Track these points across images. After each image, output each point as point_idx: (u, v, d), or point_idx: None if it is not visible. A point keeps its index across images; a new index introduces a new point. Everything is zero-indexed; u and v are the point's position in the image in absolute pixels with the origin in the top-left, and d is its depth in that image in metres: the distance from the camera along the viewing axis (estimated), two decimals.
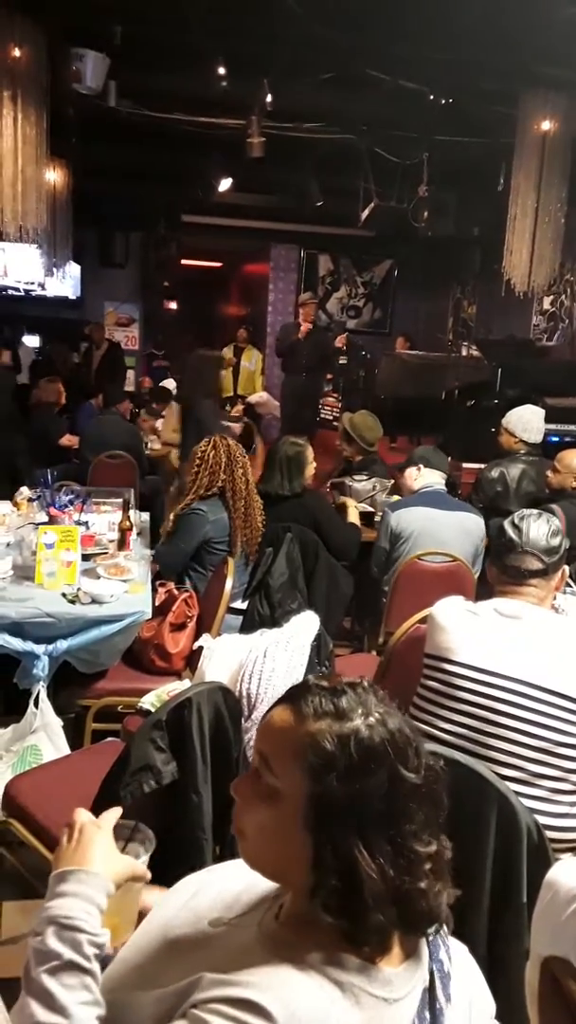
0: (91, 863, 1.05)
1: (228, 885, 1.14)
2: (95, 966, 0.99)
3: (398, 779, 0.95)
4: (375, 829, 0.93)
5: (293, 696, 1.02)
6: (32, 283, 10.44)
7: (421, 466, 3.81)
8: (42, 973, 0.96)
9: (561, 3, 3.94)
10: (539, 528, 2.04)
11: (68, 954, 0.97)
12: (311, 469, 3.85)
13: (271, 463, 3.82)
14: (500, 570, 2.06)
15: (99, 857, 1.06)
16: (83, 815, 1.13)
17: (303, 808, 0.95)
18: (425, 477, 3.79)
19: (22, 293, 10.47)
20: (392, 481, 4.59)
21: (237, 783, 1.05)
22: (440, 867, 0.97)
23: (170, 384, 8.85)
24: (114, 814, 1.15)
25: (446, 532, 3.55)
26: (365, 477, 4.58)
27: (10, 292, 10.41)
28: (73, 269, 10.16)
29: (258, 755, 1.02)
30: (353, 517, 4.11)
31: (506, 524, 2.07)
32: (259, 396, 9.86)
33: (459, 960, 1.04)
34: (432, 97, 5.18)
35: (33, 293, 10.49)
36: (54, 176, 6.34)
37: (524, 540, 2.01)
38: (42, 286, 10.33)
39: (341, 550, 3.76)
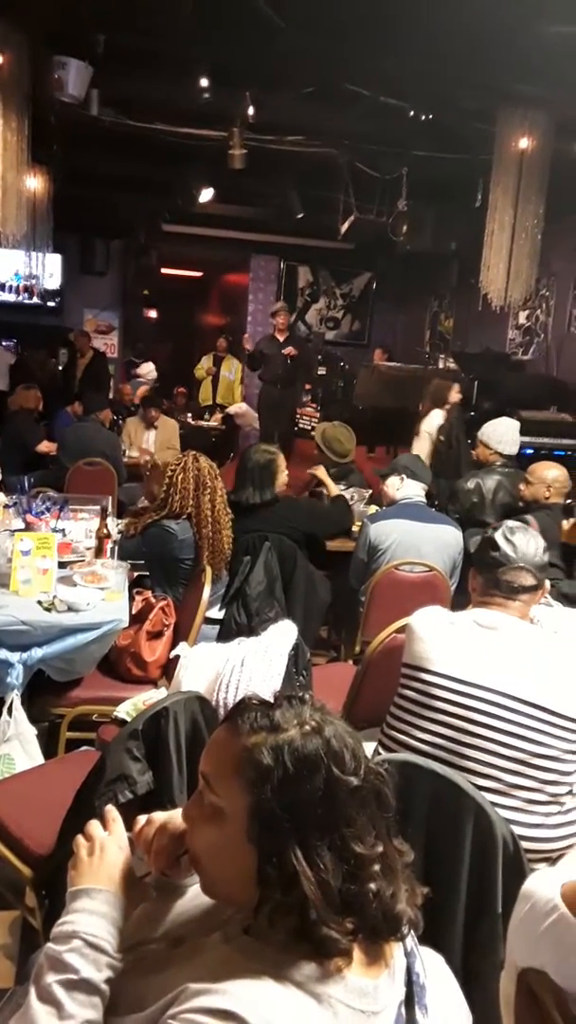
0: (118, 886, 1.08)
1: (179, 904, 1.15)
2: (107, 990, 1.01)
3: (335, 783, 0.96)
4: (314, 836, 0.94)
5: (231, 714, 1.04)
6: (10, 289, 10.38)
7: (404, 476, 3.82)
8: (56, 984, 0.99)
9: (539, 23, 4.00)
10: (530, 544, 2.06)
11: (87, 972, 1.00)
12: (283, 477, 3.82)
13: (242, 472, 3.78)
14: (491, 583, 2.05)
15: (124, 881, 1.09)
16: (99, 829, 1.15)
17: (247, 823, 0.96)
18: (407, 488, 3.80)
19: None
20: (370, 491, 4.60)
21: (186, 808, 1.07)
22: (391, 868, 0.98)
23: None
24: (122, 831, 1.16)
25: (425, 545, 3.57)
26: (343, 487, 4.60)
27: None
28: (53, 275, 10.12)
29: (201, 777, 1.03)
30: (333, 489, 4.21)
31: (499, 538, 2.06)
32: (238, 407, 9.86)
33: (434, 971, 1.04)
34: (412, 113, 5.24)
35: (11, 299, 10.43)
36: (35, 183, 6.32)
37: (520, 555, 2.02)
38: (26, 291, 10.26)
39: (339, 528, 3.79)
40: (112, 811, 1.19)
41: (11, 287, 10.35)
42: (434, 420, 6.33)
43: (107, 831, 1.16)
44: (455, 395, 6.50)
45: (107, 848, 1.11)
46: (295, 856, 0.93)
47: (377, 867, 0.96)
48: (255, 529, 3.57)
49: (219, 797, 0.99)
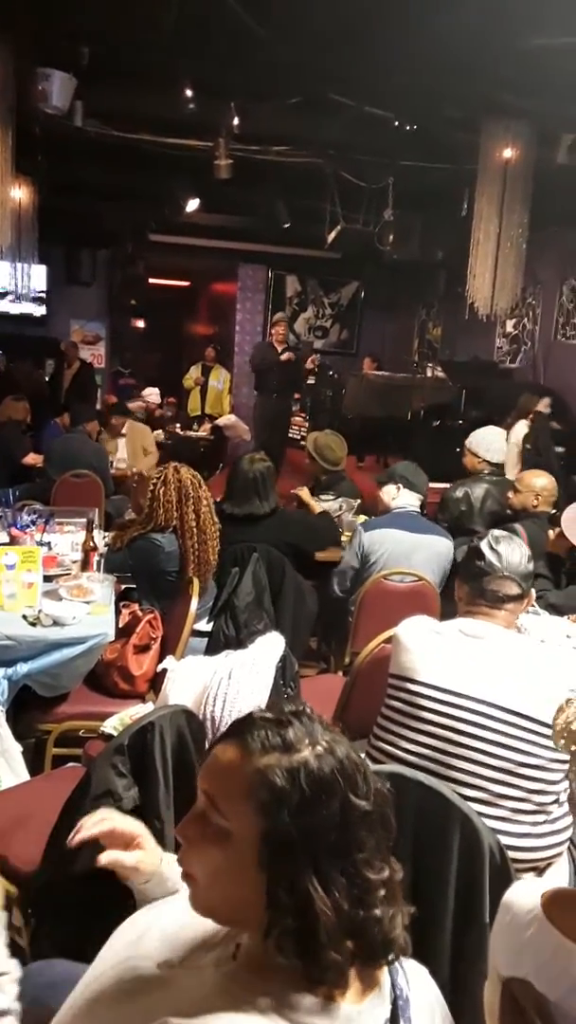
0: None
1: (170, 923, 1.11)
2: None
3: (350, 808, 0.94)
4: (329, 862, 0.91)
5: (237, 731, 1.00)
6: None
7: (401, 485, 3.82)
8: None
9: (523, 34, 4.04)
10: (515, 553, 2.06)
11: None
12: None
13: (239, 484, 3.76)
14: (476, 593, 2.06)
15: None
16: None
17: (257, 847, 0.92)
18: (403, 498, 3.80)
19: None
20: (359, 500, 4.60)
21: (182, 826, 1.02)
22: (392, 891, 0.96)
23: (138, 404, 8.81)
24: None
25: (416, 555, 3.56)
26: (331, 496, 4.59)
27: None
28: (39, 286, 10.11)
29: (204, 796, 0.99)
30: (315, 508, 4.26)
31: (484, 547, 2.07)
32: (227, 419, 9.86)
33: (417, 983, 1.03)
34: (397, 123, 5.27)
35: None
36: (19, 193, 6.32)
37: (504, 564, 2.03)
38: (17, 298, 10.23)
39: (330, 542, 3.81)
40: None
41: None
42: (519, 431, 6.37)
43: None
44: (544, 406, 6.55)
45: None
46: (311, 883, 0.90)
47: (383, 892, 0.94)
48: (249, 540, 3.55)
49: (226, 819, 0.95)
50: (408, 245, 7.68)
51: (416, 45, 4.32)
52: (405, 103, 5.15)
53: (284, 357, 8.55)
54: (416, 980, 1.02)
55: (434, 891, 1.54)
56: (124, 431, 6.93)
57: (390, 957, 0.97)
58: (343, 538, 4.12)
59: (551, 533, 3.58)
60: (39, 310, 10.59)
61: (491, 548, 2.05)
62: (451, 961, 1.54)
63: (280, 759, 0.94)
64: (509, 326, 8.53)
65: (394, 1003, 0.96)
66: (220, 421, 9.84)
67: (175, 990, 0.97)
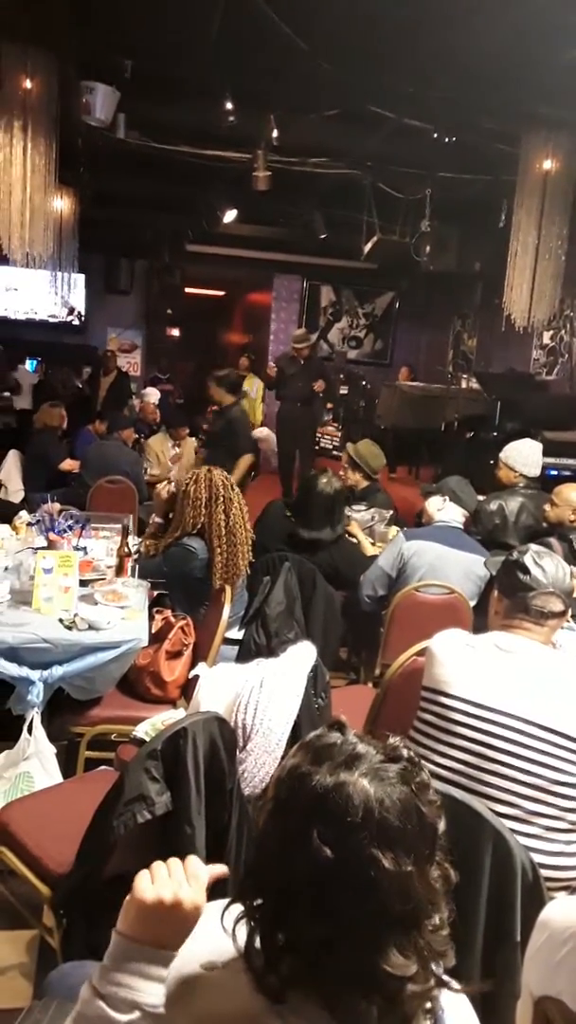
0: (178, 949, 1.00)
1: (215, 925, 1.12)
2: None
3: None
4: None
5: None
6: (39, 309, 10.54)
7: (447, 498, 3.80)
8: None
9: (564, 46, 4.03)
10: (559, 568, 2.04)
11: None
12: None
13: (316, 505, 3.71)
14: (518, 608, 2.03)
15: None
16: (184, 887, 1.01)
17: None
18: (448, 511, 3.77)
19: (25, 318, 10.57)
20: (391, 512, 4.58)
21: None
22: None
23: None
24: (202, 889, 1.03)
25: (454, 570, 3.53)
26: (364, 507, 4.59)
27: (14, 316, 10.51)
28: (78, 295, 10.26)
29: None
30: (368, 549, 4.11)
31: (528, 562, 2.04)
32: (261, 431, 9.89)
33: (455, 1018, 1.00)
34: (435, 135, 5.28)
35: (37, 318, 10.59)
36: (61, 204, 6.43)
37: (550, 580, 2.01)
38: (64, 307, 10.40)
39: (352, 583, 3.75)
40: (195, 864, 1.04)
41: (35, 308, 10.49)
42: None
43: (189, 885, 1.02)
44: None
45: (188, 907, 0.99)
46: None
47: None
48: (321, 566, 3.52)
49: None
50: (445, 256, 7.67)
51: (456, 57, 4.33)
52: (444, 115, 5.15)
53: (316, 387, 8.11)
54: (455, 1018, 1.00)
55: (465, 908, 1.53)
56: (181, 442, 7.09)
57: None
58: (375, 550, 4.10)
59: None
60: (77, 318, 10.75)
61: (536, 563, 2.03)
62: (481, 979, 1.53)
63: None
64: (546, 338, 8.46)
65: None
66: (254, 433, 9.87)
67: (219, 992, 0.98)
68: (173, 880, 1.01)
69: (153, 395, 8.98)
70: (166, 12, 4.24)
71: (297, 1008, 0.91)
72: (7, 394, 9.56)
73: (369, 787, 0.90)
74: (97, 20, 4.41)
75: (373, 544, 4.26)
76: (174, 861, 1.03)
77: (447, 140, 5.32)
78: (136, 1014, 0.96)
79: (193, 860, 1.04)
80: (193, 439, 7.40)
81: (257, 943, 0.93)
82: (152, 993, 0.97)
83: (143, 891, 0.99)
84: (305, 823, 0.90)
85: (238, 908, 0.96)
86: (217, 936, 1.01)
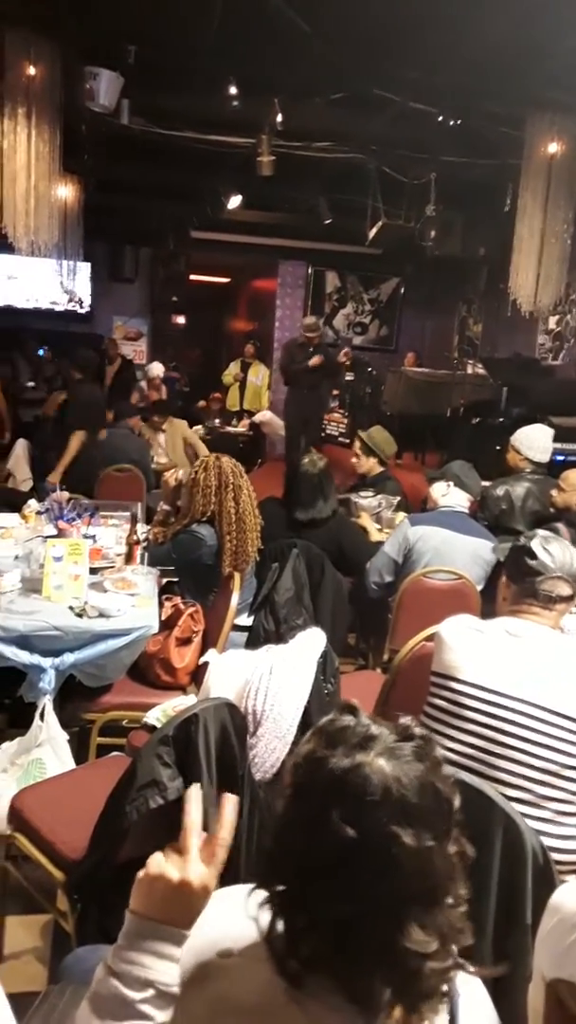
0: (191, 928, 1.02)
1: (231, 911, 1.13)
2: None
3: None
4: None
5: None
6: (42, 297, 10.51)
7: (452, 483, 3.80)
8: None
9: (569, 30, 3.99)
10: (566, 553, 2.05)
11: (160, 1019, 0.98)
12: None
13: (305, 487, 3.76)
14: (526, 592, 2.04)
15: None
16: (197, 863, 1.03)
17: None
18: (452, 496, 3.77)
19: (32, 307, 10.55)
20: (398, 499, 4.58)
21: None
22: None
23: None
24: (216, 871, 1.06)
25: (460, 555, 3.54)
26: (371, 494, 4.59)
27: (20, 305, 10.50)
28: (83, 283, 10.23)
29: None
30: (375, 535, 4.13)
31: (535, 547, 2.05)
32: (263, 415, 9.88)
33: (470, 1001, 1.01)
34: (440, 118, 5.24)
35: (43, 306, 10.57)
36: (66, 191, 6.40)
37: (558, 565, 2.02)
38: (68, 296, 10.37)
39: (359, 568, 3.76)
40: (206, 844, 1.06)
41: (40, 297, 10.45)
42: None
43: (205, 865, 1.04)
44: None
45: (199, 887, 1.02)
46: None
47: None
48: (320, 543, 3.55)
49: None
50: (450, 241, 7.63)
51: (461, 41, 4.30)
52: (449, 99, 5.12)
53: (312, 362, 8.23)
54: (470, 1000, 1.01)
55: (476, 892, 1.53)
56: (164, 427, 7.02)
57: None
58: (381, 536, 4.11)
59: None
60: (83, 307, 10.72)
61: (543, 548, 2.04)
62: (492, 963, 1.54)
63: None
64: (552, 322, 8.42)
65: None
66: (256, 417, 9.85)
67: (234, 979, 0.98)
68: (183, 858, 1.03)
69: (156, 368, 8.94)
70: None
71: (314, 992, 0.91)
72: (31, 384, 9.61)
73: (386, 766, 0.91)
74: (100, 6, 4.38)
75: (380, 530, 4.27)
76: (186, 839, 1.05)
77: (452, 124, 5.28)
78: (150, 992, 0.98)
79: (201, 842, 1.06)
80: (181, 422, 7.35)
81: (279, 927, 0.94)
82: (165, 972, 0.99)
83: (150, 867, 1.02)
84: (324, 806, 0.91)
85: (261, 894, 0.97)
86: (233, 923, 1.02)
